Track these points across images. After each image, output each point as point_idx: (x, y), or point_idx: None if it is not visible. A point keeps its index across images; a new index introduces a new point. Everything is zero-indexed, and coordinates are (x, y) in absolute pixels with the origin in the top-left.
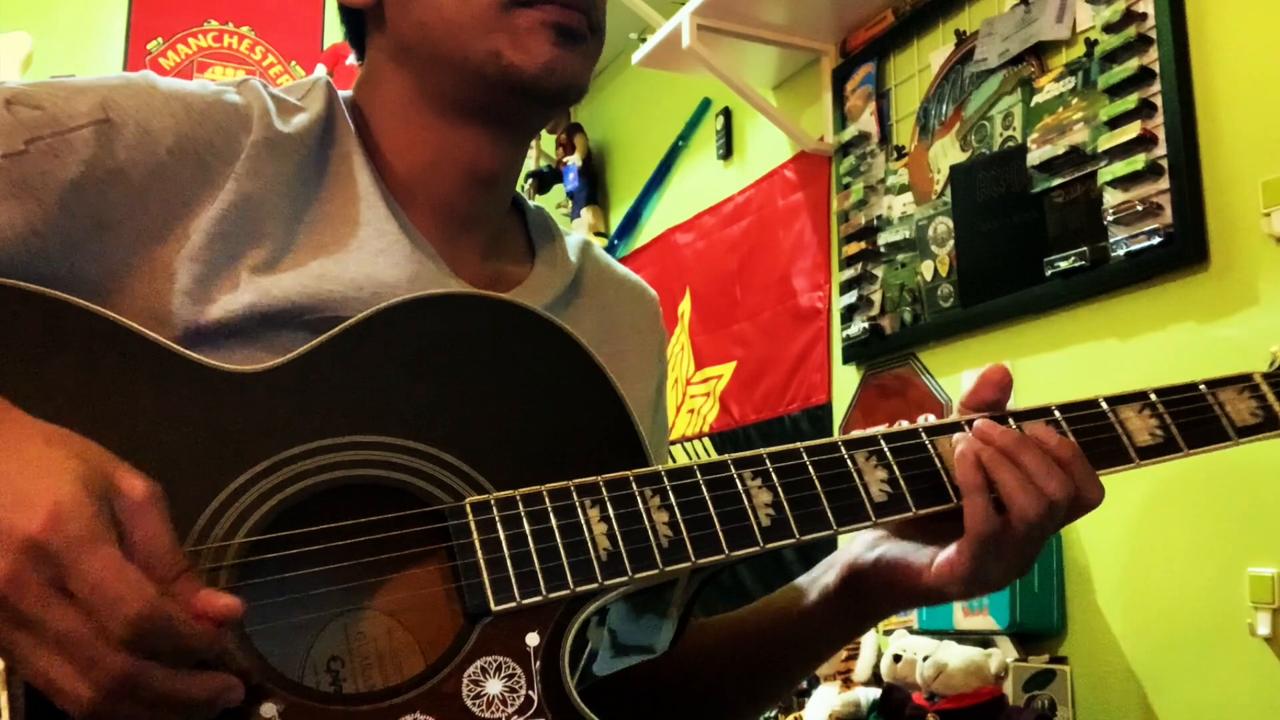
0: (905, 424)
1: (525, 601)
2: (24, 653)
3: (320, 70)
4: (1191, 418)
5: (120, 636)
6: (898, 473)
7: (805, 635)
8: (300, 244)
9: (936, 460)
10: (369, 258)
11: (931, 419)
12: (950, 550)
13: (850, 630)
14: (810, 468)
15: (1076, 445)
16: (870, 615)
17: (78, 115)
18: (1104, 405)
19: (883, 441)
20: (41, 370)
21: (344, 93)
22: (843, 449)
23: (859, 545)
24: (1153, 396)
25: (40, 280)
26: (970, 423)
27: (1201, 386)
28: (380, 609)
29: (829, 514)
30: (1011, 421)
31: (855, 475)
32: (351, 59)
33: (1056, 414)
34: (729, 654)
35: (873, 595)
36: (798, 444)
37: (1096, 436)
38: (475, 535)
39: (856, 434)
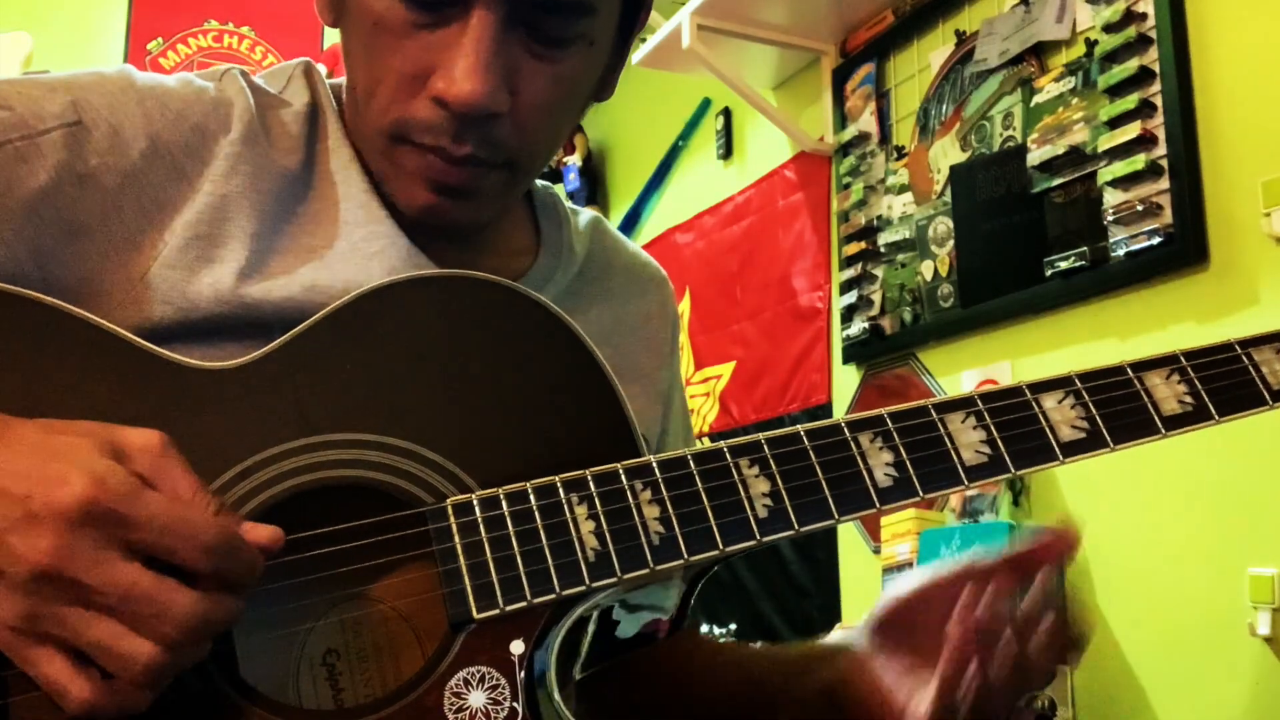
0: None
1: (509, 608)
2: (75, 626)
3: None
4: (1224, 381)
5: (200, 567)
6: (904, 455)
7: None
8: (287, 246)
9: (946, 440)
10: (362, 261)
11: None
12: (923, 705)
13: None
14: (811, 453)
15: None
16: None
17: (47, 117)
18: (1129, 372)
19: (888, 421)
20: (6, 368)
21: (337, 80)
22: (846, 431)
23: (860, 646)
24: (1182, 360)
25: (13, 285)
26: (982, 397)
27: (1236, 347)
28: (374, 600)
29: (830, 503)
30: (1028, 394)
31: (859, 459)
32: None
33: (1077, 383)
34: (723, 701)
35: (851, 713)
36: (798, 427)
37: (1120, 406)
38: (457, 539)
39: (863, 414)
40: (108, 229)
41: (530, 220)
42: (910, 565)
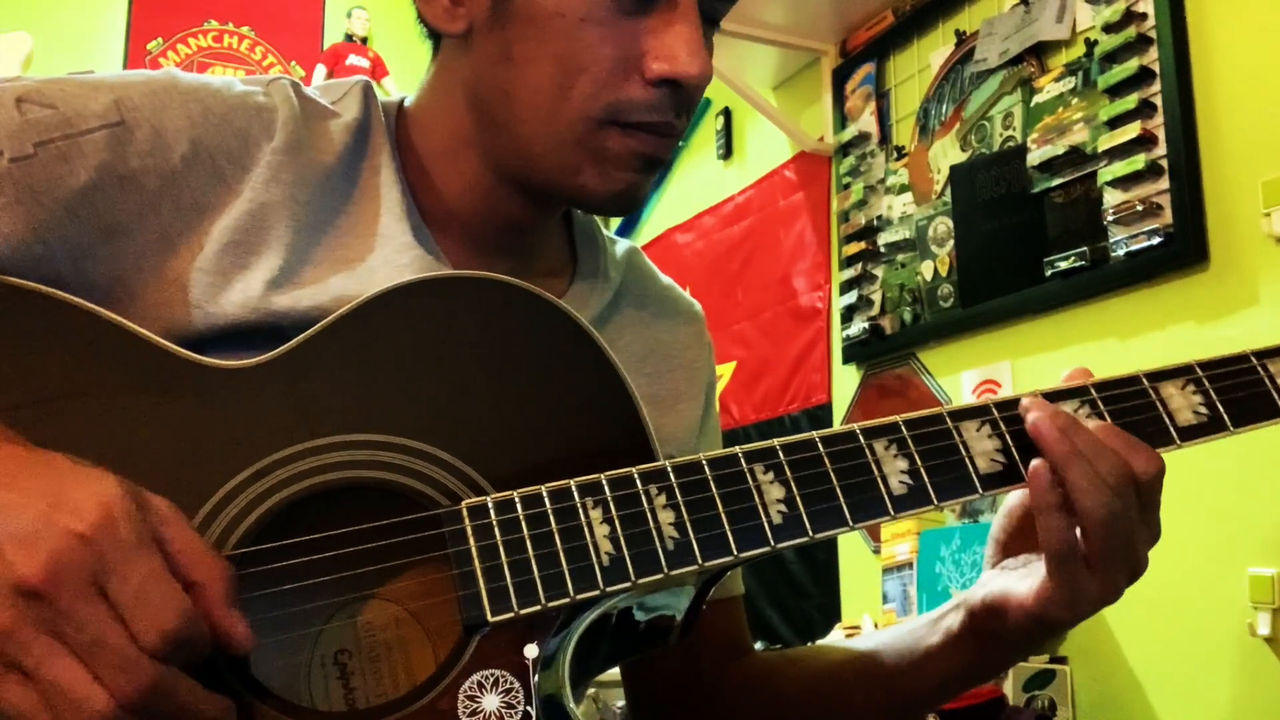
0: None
1: (523, 611)
2: (40, 656)
3: (335, 74)
4: (1239, 393)
5: (150, 647)
6: (919, 463)
7: (932, 679)
8: (320, 257)
9: (962, 448)
10: (393, 273)
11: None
12: (1040, 575)
13: (979, 674)
14: (826, 459)
15: (1109, 424)
16: (998, 658)
17: (90, 117)
18: (1145, 382)
19: (904, 428)
20: (26, 366)
21: (389, 97)
22: (860, 438)
23: (976, 585)
24: (1198, 370)
25: (47, 284)
26: (998, 405)
27: (1251, 358)
28: (386, 600)
29: (844, 510)
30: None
31: (874, 466)
32: (352, 58)
33: (1093, 392)
34: (845, 694)
35: (993, 635)
36: (813, 433)
37: (1135, 417)
38: (472, 542)
39: (878, 420)
40: (145, 230)
41: (567, 244)
42: (910, 565)
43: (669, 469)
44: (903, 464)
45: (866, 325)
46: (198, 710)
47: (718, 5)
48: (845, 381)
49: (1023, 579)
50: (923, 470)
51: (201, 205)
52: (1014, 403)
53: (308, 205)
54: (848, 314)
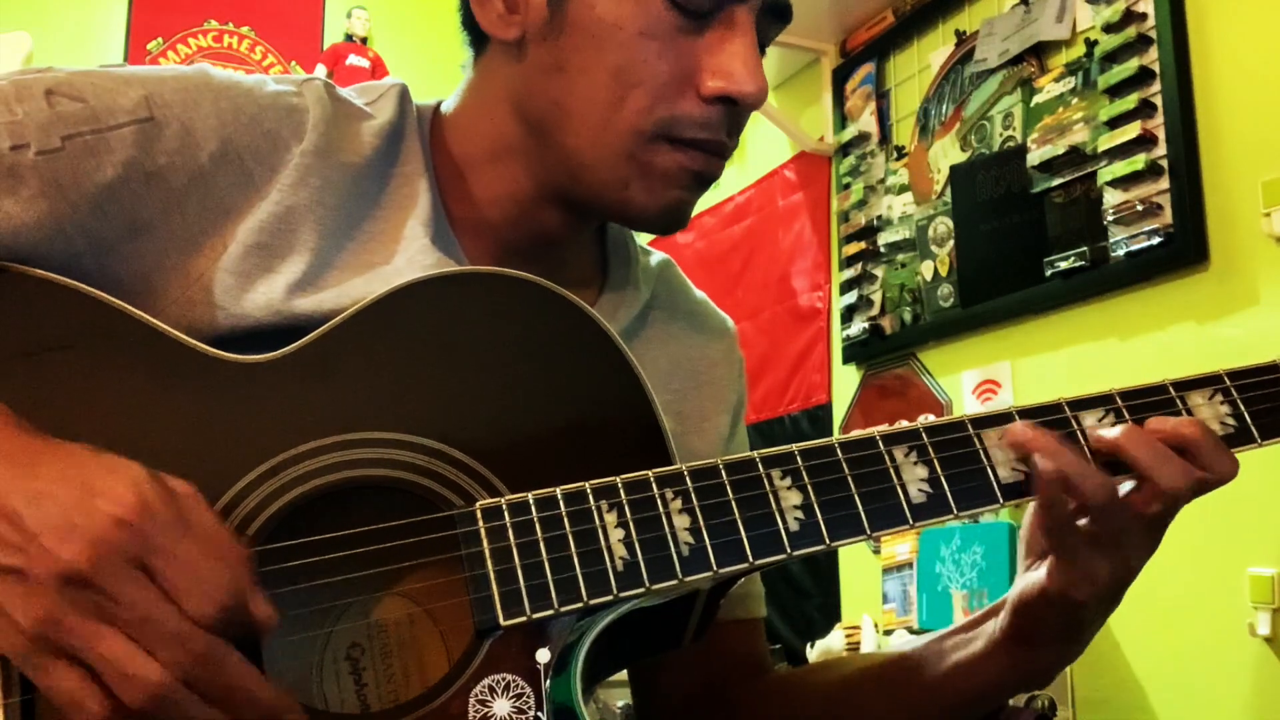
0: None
1: (535, 615)
2: (88, 638)
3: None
4: (1268, 403)
5: (204, 619)
6: (939, 470)
7: (974, 686)
8: (345, 261)
9: (983, 456)
10: (416, 274)
11: (930, 418)
12: (1050, 557)
13: (1025, 679)
14: (844, 466)
15: (1201, 422)
16: (1040, 657)
17: (119, 112)
18: (1172, 391)
19: (924, 435)
20: (44, 358)
21: (425, 102)
22: (880, 444)
23: (1011, 589)
24: (1226, 380)
25: (69, 277)
26: (1020, 412)
27: None
28: (400, 599)
29: (863, 518)
30: (1068, 410)
31: (893, 474)
32: (352, 59)
33: (1118, 401)
34: (867, 703)
35: (1031, 635)
36: (833, 439)
37: None
38: (485, 544)
39: (898, 427)
40: (169, 228)
41: (599, 256)
42: (910, 565)
43: (685, 473)
44: (922, 472)
45: (866, 325)
46: (246, 685)
47: (769, 26)
48: (845, 381)
49: (1040, 565)
50: (943, 478)
51: (227, 205)
52: (1038, 410)
53: (335, 209)
54: (848, 314)
